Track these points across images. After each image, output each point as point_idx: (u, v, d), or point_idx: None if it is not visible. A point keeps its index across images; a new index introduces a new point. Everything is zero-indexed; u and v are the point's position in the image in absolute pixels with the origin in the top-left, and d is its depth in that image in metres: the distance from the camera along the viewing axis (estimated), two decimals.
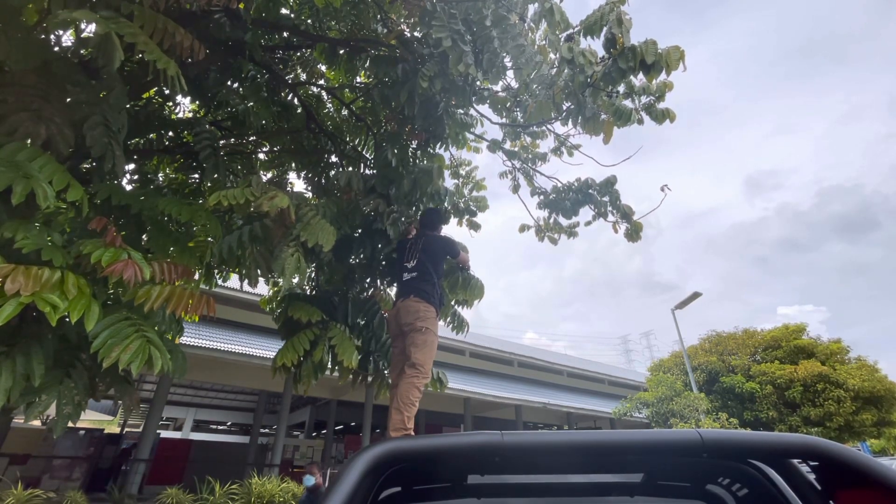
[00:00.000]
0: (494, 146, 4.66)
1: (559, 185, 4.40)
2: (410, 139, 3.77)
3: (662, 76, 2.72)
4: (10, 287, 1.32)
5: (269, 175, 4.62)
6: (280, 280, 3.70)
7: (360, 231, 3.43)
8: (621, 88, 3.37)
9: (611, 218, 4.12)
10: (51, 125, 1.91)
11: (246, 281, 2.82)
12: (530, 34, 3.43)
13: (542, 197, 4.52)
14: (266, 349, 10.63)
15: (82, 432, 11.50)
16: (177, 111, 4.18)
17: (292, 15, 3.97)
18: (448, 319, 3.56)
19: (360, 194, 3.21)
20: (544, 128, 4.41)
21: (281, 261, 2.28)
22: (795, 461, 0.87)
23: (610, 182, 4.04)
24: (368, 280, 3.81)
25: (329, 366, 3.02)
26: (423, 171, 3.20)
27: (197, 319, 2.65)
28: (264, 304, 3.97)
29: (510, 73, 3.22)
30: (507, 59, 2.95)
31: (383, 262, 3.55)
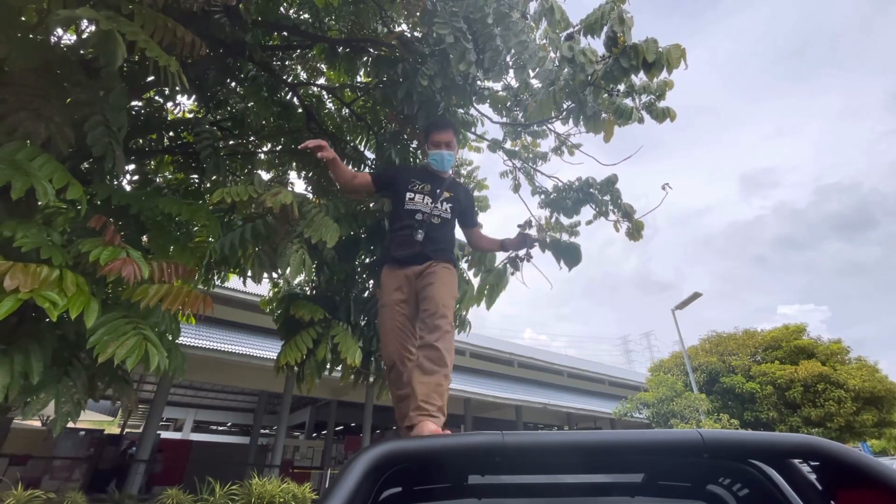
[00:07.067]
0: (495, 146, 4.65)
1: (560, 184, 4.39)
2: (412, 139, 3.77)
3: (664, 74, 2.71)
4: (9, 283, 1.31)
5: (270, 175, 4.62)
6: (280, 280, 3.69)
7: (367, 232, 3.42)
8: (622, 87, 3.36)
9: (612, 217, 4.11)
10: (51, 124, 1.91)
11: (247, 279, 2.81)
12: (531, 32, 3.43)
13: (543, 196, 4.51)
14: (266, 349, 10.62)
15: (82, 433, 11.50)
16: (176, 111, 4.18)
17: (293, 14, 3.97)
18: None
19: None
20: (545, 127, 4.40)
21: (286, 258, 2.27)
22: (796, 461, 0.87)
23: (611, 181, 4.03)
24: (372, 281, 3.79)
25: (331, 365, 3.01)
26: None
27: (194, 322, 2.63)
28: (264, 305, 3.95)
29: (511, 73, 3.22)
30: (509, 57, 2.94)
31: None
